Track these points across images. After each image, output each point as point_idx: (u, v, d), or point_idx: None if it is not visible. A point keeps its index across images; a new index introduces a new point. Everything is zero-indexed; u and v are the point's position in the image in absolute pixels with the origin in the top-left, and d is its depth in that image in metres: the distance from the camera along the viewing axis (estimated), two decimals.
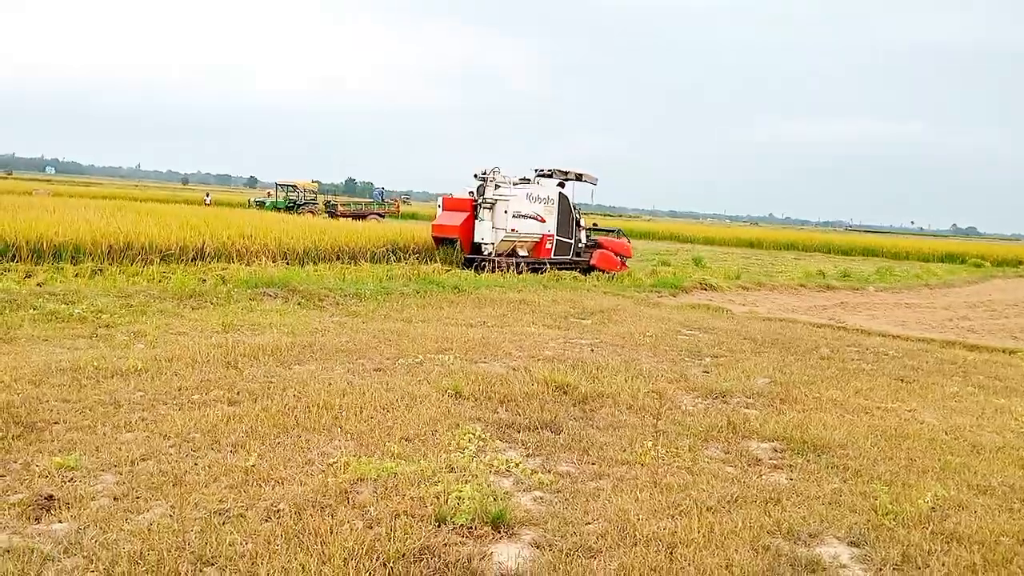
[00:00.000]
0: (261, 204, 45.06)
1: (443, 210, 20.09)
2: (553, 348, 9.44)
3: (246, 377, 6.93)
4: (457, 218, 19.25)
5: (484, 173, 18.82)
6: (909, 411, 7.43)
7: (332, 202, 46.29)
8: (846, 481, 5.25)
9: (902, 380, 8.96)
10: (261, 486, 4.53)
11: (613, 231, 22.86)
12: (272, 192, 47.48)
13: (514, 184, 19.23)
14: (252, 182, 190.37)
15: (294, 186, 46.36)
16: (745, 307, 15.68)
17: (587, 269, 19.90)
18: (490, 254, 18.54)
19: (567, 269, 19.21)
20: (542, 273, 18.04)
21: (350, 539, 3.87)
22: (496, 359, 8.54)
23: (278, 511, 4.21)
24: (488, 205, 18.56)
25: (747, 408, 7.13)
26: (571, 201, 20.09)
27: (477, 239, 18.94)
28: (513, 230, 18.54)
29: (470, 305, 12.78)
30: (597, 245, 20.89)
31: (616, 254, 20.75)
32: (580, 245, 20.48)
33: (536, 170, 20.13)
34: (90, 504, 4.16)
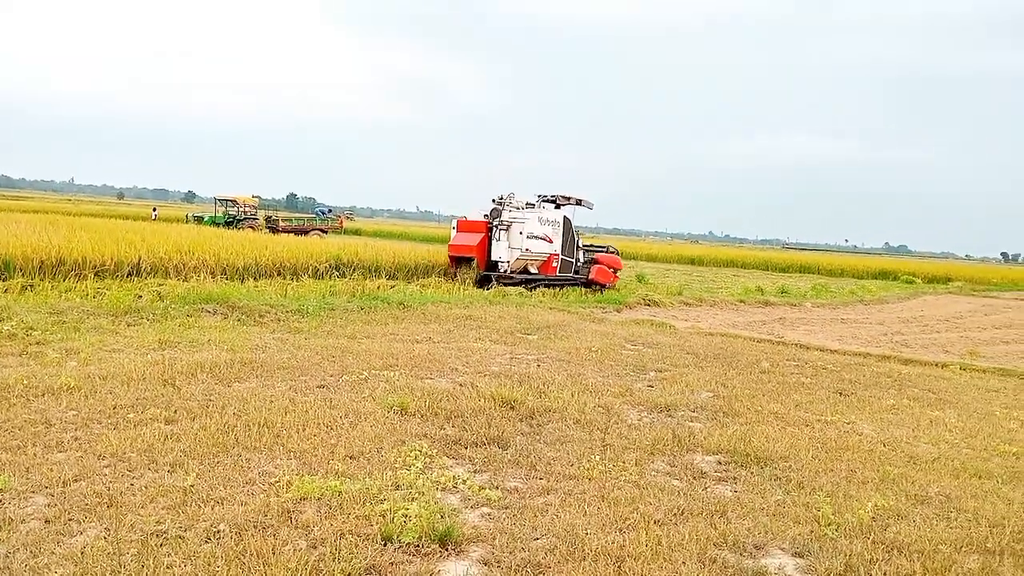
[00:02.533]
0: (200, 219, 44.15)
1: (458, 231, 21.44)
2: (500, 363, 9.41)
3: (184, 395, 6.75)
4: (474, 239, 20.70)
5: (501, 198, 20.78)
6: (848, 423, 7.59)
7: (273, 217, 45.54)
8: (789, 493, 5.33)
9: (840, 393, 9.16)
10: (200, 506, 4.39)
11: (604, 248, 24.34)
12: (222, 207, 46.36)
13: (523, 208, 20.92)
14: (190, 197, 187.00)
15: (234, 201, 45.52)
16: (688, 322, 15.89)
17: (586, 283, 21.65)
18: (506, 271, 20.12)
19: (570, 285, 21.07)
20: (550, 288, 20.07)
21: (293, 560, 3.77)
22: (442, 375, 8.47)
23: (218, 532, 4.09)
24: (505, 227, 20.18)
25: (691, 422, 7.20)
26: (572, 224, 21.96)
27: (494, 258, 20.42)
28: (527, 250, 20.22)
29: (416, 321, 12.68)
30: (594, 261, 22.59)
31: (610, 268, 22.56)
32: (579, 262, 22.38)
33: (539, 196, 21.89)
34: (20, 527, 3.99)
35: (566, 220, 21.54)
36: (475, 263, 20.66)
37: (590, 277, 21.69)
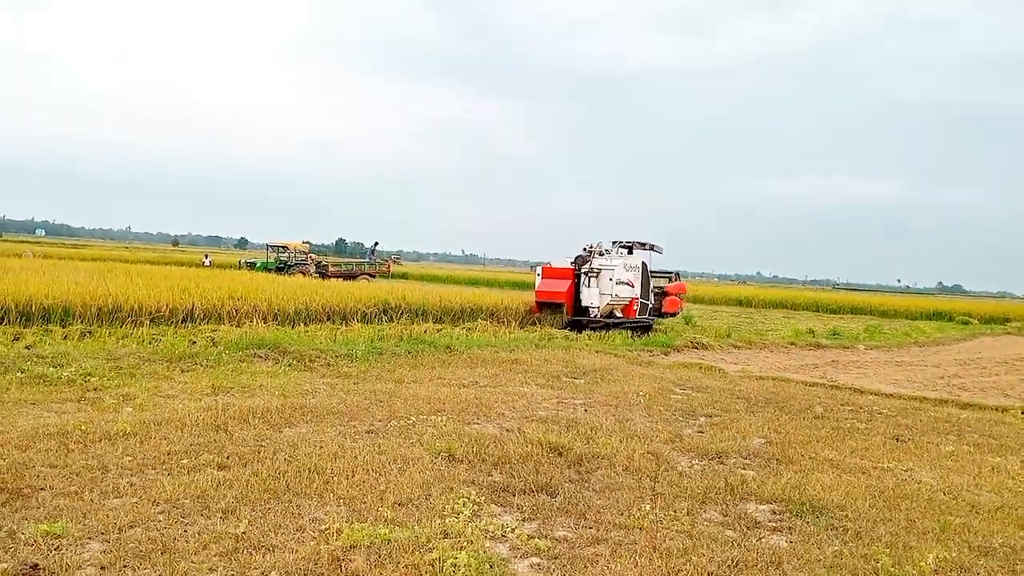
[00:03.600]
0: (252, 265, 45.09)
1: (544, 278, 22.16)
2: (546, 408, 9.37)
3: (236, 440, 6.84)
4: (563, 285, 21.51)
5: (591, 246, 21.80)
6: (906, 471, 7.37)
7: (322, 262, 46.32)
8: (846, 543, 5.18)
9: (897, 439, 8.91)
10: (252, 554, 4.43)
11: (666, 275, 25.25)
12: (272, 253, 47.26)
13: (608, 255, 21.87)
14: (242, 243, 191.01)
15: (285, 247, 46.46)
16: (737, 366, 15.66)
17: (660, 315, 23.56)
18: (595, 316, 20.99)
19: (645, 325, 22.29)
20: (630, 331, 20.83)
21: None
22: (489, 420, 8.46)
23: None
24: (595, 274, 21.08)
25: (744, 469, 7.07)
26: (648, 268, 23.08)
27: (585, 303, 21.21)
28: (615, 295, 21.21)
29: (462, 365, 12.72)
30: (664, 293, 24.00)
31: (678, 294, 24.35)
32: (652, 303, 23.48)
33: (615, 242, 22.95)
34: (76, 573, 4.06)
35: (644, 265, 22.62)
36: (565, 308, 21.46)
37: (663, 309, 23.51)
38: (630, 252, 22.88)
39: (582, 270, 21.35)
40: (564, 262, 21.98)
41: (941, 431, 9.61)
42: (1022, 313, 49.35)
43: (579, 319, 21.07)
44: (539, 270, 22.46)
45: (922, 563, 4.79)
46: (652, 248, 23.53)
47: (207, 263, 49.76)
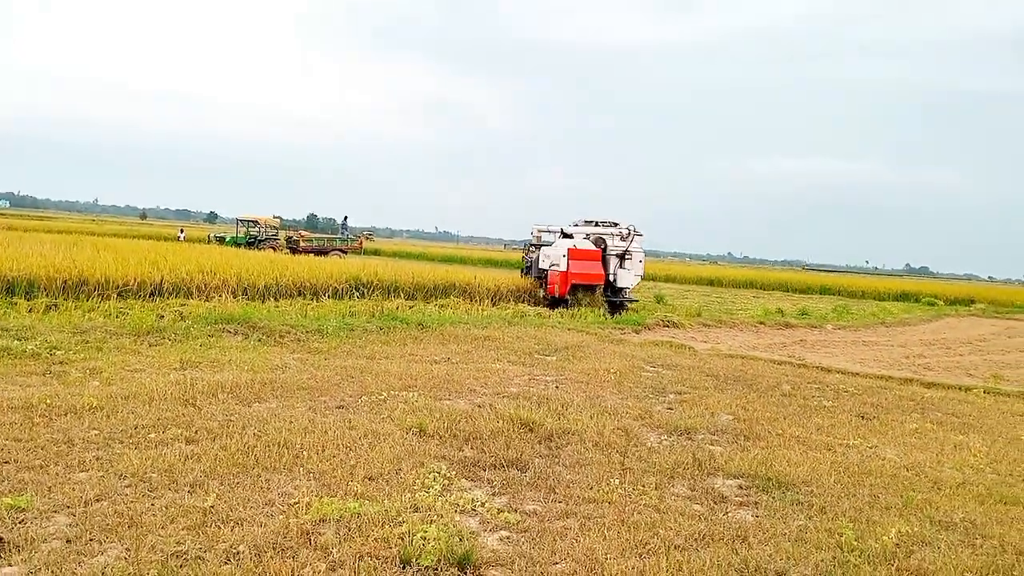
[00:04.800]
0: (222, 240, 44.58)
1: (572, 259, 21.75)
2: (518, 385, 9.40)
3: (205, 415, 6.79)
4: (596, 267, 21.98)
5: (626, 229, 22.58)
6: (870, 447, 7.50)
7: (293, 237, 45.88)
8: (811, 518, 5.27)
9: (863, 417, 9.06)
10: (220, 527, 4.41)
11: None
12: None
13: (618, 237, 22.61)
14: (212, 217, 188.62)
15: (255, 221, 45.96)
16: (707, 344, 15.80)
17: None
18: (628, 295, 22.58)
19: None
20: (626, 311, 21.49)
21: None
22: (461, 396, 8.47)
23: (238, 553, 4.09)
24: (629, 256, 22.33)
25: (712, 445, 7.15)
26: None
27: (621, 284, 22.38)
28: (638, 275, 22.79)
29: (434, 342, 12.70)
30: None
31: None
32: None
33: (616, 225, 23.43)
34: (41, 547, 4.01)
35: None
36: (598, 290, 21.89)
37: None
38: (629, 235, 23.16)
39: (613, 252, 22.09)
40: (583, 244, 22.00)
41: (906, 409, 9.79)
42: (987, 295, 50.30)
43: (613, 299, 21.97)
44: (565, 251, 21.68)
45: (884, 537, 4.89)
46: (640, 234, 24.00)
47: (182, 238, 49.06)
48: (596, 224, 23.05)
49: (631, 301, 22.78)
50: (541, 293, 22.18)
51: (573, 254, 21.83)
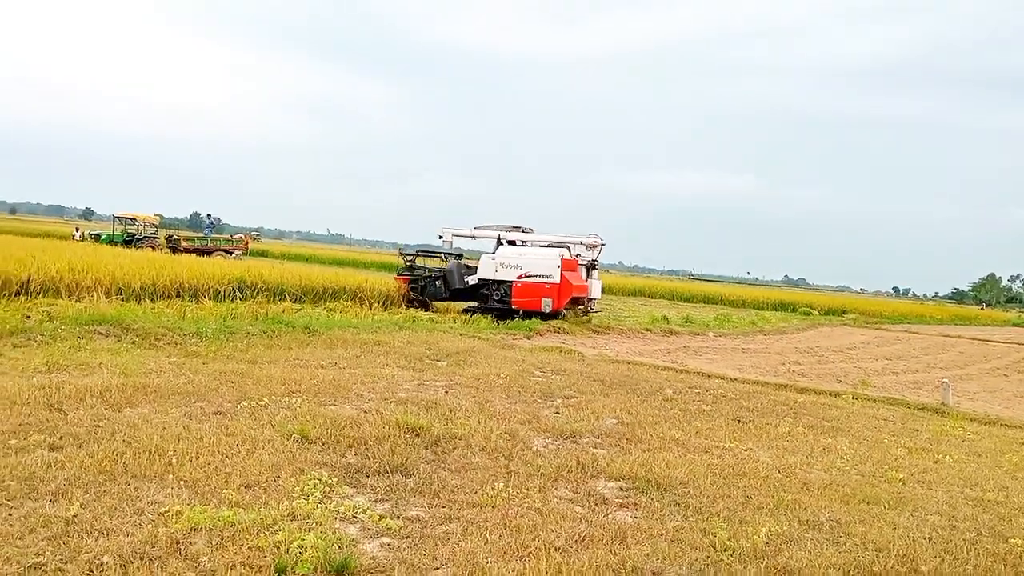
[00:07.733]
0: (97, 238, 42.33)
1: (564, 270, 21.00)
2: (407, 390, 9.31)
3: (71, 420, 6.41)
4: (582, 279, 21.61)
5: (591, 238, 22.20)
6: (746, 450, 7.79)
7: (174, 236, 43.98)
8: (687, 518, 5.42)
9: (739, 421, 9.41)
10: (83, 537, 4.17)
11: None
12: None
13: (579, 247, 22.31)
14: (88, 214, 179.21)
15: (133, 219, 43.83)
16: (595, 350, 16.09)
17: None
18: (593, 306, 22.63)
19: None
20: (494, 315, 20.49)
21: None
22: (347, 401, 8.31)
23: (101, 564, 3.88)
24: (595, 267, 22.49)
25: (596, 448, 7.27)
26: None
27: (593, 295, 22.49)
28: (599, 286, 23.01)
29: (321, 346, 12.44)
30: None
31: None
32: None
33: (533, 231, 23.13)
34: None
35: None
36: (583, 301, 21.84)
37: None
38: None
39: (587, 263, 21.88)
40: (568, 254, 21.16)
41: (779, 413, 10.22)
42: (859, 306, 53.34)
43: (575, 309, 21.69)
44: (557, 261, 20.53)
45: (755, 536, 5.08)
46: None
47: (77, 237, 46.02)
48: (512, 229, 22.31)
49: (595, 312, 22.75)
50: (472, 305, 21.21)
51: (566, 265, 20.76)
